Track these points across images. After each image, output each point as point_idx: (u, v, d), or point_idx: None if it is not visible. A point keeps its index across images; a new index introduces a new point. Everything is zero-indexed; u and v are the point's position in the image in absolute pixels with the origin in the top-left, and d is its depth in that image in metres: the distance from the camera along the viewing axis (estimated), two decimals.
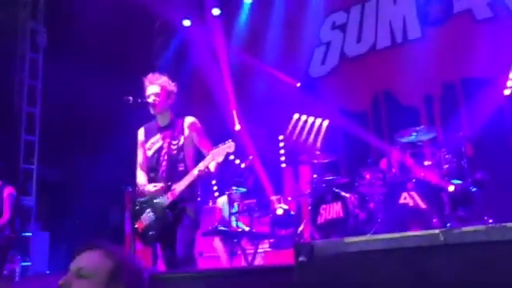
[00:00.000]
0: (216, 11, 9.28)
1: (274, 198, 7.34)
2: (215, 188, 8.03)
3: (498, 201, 5.60)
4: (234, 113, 8.72)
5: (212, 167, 3.52)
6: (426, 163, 5.78)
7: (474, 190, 5.35)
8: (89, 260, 1.70)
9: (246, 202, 7.13)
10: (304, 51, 8.64)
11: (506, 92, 6.46)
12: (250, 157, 7.08)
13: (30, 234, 8.20)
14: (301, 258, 1.62)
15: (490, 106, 6.33)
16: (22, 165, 8.36)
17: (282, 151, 8.43)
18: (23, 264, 7.71)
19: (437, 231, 1.41)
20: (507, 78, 6.48)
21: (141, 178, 3.74)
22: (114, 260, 1.72)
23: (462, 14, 7.09)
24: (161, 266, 4.63)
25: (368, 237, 1.55)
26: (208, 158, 3.49)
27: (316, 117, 8.28)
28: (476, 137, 6.14)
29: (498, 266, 1.30)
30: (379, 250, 1.49)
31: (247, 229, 6.48)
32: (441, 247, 1.39)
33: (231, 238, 6.19)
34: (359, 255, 1.51)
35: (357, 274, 1.50)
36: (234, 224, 6.47)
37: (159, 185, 3.59)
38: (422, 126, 5.87)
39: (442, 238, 1.40)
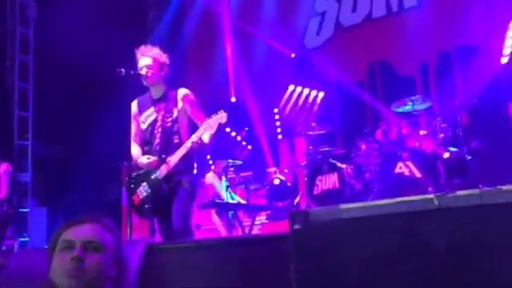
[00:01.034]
0: None
1: (270, 169, 7.36)
2: (211, 162, 8.03)
3: (493, 169, 5.63)
4: (231, 85, 8.69)
5: (205, 138, 3.50)
6: (421, 132, 5.79)
7: (469, 158, 5.37)
8: (96, 233, 1.64)
9: (243, 174, 7.15)
10: (299, 22, 8.55)
11: (503, 60, 6.41)
12: (246, 128, 7.06)
13: (28, 209, 8.23)
14: (296, 226, 1.62)
15: (486, 75, 6.30)
16: (17, 141, 8.33)
17: (277, 123, 8.41)
18: (21, 240, 7.76)
19: (431, 196, 1.41)
20: (503, 46, 6.43)
21: (135, 150, 3.74)
22: (114, 235, 1.69)
23: None
24: (158, 240, 4.66)
25: (363, 203, 1.54)
26: (201, 129, 3.47)
27: (311, 88, 8.24)
28: (471, 106, 6.13)
29: (490, 229, 1.31)
30: (373, 216, 1.49)
31: (243, 201, 6.51)
32: (434, 211, 1.39)
33: (227, 210, 6.22)
34: (353, 221, 1.51)
35: (351, 240, 1.50)
36: (228, 197, 6.49)
37: (153, 158, 3.58)
38: (418, 96, 5.85)
39: (436, 203, 1.40)
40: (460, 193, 1.39)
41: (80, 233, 1.63)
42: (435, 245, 1.36)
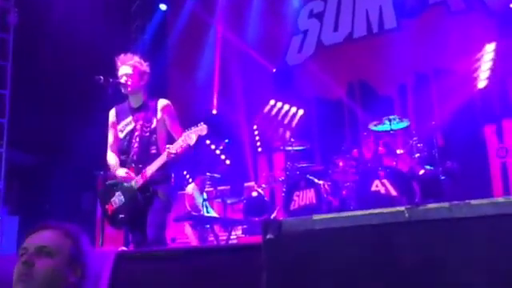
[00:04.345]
0: None
1: (248, 184, 7.36)
2: (188, 176, 7.97)
3: (467, 191, 5.71)
4: (215, 97, 8.73)
5: (179, 149, 3.44)
6: (398, 151, 5.86)
7: (443, 178, 5.46)
8: (51, 238, 1.68)
9: (220, 188, 7.13)
10: (282, 38, 8.64)
11: (481, 84, 6.56)
12: (226, 140, 7.06)
13: None
14: (268, 236, 1.62)
15: (461, 97, 6.45)
16: None
17: (257, 138, 8.42)
18: None
19: (402, 208, 1.43)
20: (479, 70, 6.59)
21: (111, 159, 3.68)
22: (74, 240, 1.72)
23: (437, 6, 7.18)
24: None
25: (335, 214, 1.55)
26: (179, 141, 3.44)
27: (291, 105, 8.30)
28: (447, 127, 6.25)
29: (459, 242, 1.33)
30: (346, 227, 1.50)
31: (217, 216, 6.49)
32: (405, 224, 1.40)
33: (203, 223, 6.18)
34: (326, 232, 1.51)
35: (323, 250, 1.51)
36: (204, 211, 6.45)
37: (131, 172, 3.53)
38: (395, 115, 5.94)
39: (406, 215, 1.41)
40: (430, 206, 1.41)
41: (35, 239, 1.68)
42: (405, 256, 1.37)
